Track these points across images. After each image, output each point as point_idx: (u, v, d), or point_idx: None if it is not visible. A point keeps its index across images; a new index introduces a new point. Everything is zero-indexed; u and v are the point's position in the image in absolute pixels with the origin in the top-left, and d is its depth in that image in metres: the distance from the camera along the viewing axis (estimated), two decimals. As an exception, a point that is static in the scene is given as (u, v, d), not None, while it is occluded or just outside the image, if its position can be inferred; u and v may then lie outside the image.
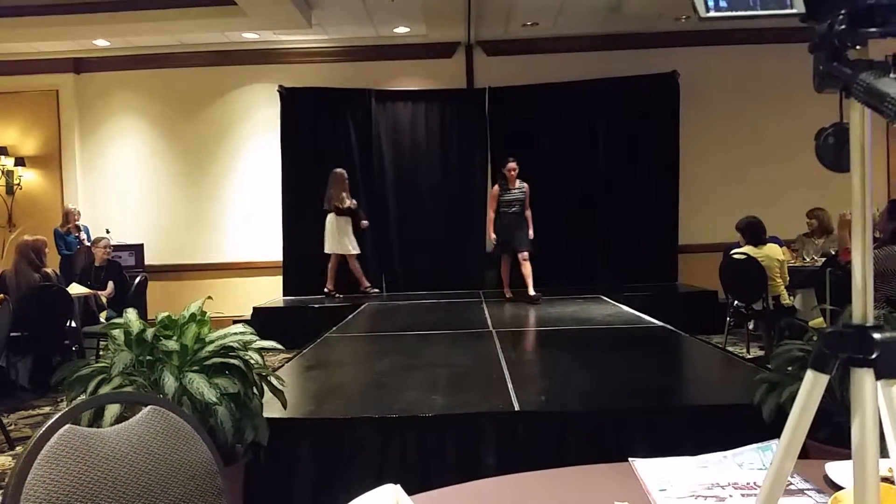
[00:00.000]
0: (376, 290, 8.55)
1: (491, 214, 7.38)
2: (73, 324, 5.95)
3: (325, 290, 8.35)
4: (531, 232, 7.32)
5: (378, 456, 3.04)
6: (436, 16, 7.88)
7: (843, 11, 0.78)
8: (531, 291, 7.23)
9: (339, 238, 8.16)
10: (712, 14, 0.82)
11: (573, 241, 8.73)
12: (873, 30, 0.78)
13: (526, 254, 7.25)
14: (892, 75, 0.75)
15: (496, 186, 7.44)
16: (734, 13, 0.83)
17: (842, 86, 0.78)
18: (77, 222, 8.07)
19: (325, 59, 9.14)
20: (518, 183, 7.34)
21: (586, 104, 8.74)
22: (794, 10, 0.82)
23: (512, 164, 7.28)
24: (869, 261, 0.81)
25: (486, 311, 6.73)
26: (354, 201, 8.27)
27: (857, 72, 0.75)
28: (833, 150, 0.82)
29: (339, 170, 8.22)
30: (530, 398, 3.31)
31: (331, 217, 8.16)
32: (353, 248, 8.25)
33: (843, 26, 0.78)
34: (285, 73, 9.00)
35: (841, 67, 0.78)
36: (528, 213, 7.36)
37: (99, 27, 7.92)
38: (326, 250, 8.22)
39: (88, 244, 7.64)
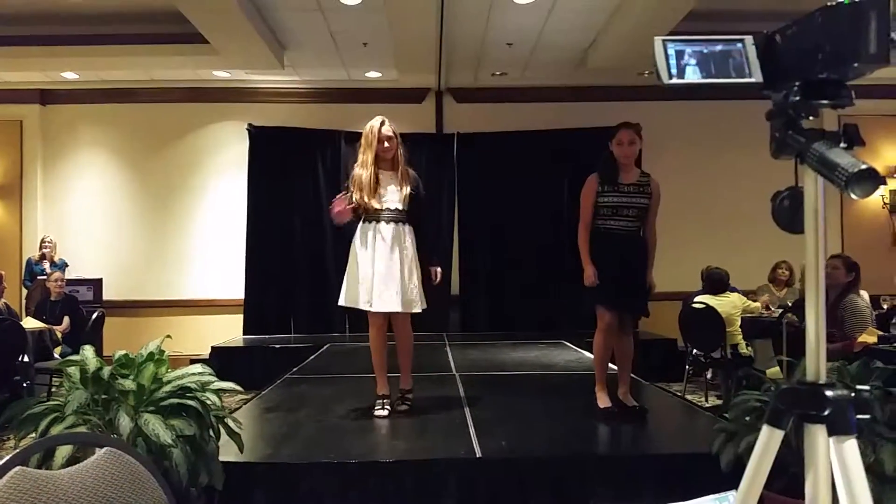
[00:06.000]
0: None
1: (583, 233, 3.98)
2: (26, 358, 5.77)
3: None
4: (651, 274, 4.15)
5: (337, 503, 2.99)
6: (407, 62, 8.00)
7: (797, 83, 0.83)
8: (622, 393, 4.07)
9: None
10: (675, 81, 0.86)
11: (537, 286, 8.79)
12: (824, 102, 0.83)
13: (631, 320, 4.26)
14: (842, 145, 0.80)
15: (591, 177, 3.99)
16: (696, 80, 0.87)
17: (796, 153, 0.82)
18: (45, 251, 7.89)
19: (296, 99, 9.19)
20: (636, 174, 3.97)
21: (552, 153, 8.90)
22: (752, 80, 0.86)
23: (626, 133, 3.96)
24: (821, 320, 0.84)
25: (450, 354, 6.71)
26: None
27: (811, 141, 0.80)
28: (788, 212, 0.86)
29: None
30: (492, 444, 3.30)
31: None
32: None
33: (797, 97, 0.83)
34: (255, 111, 9.01)
35: (795, 136, 0.82)
36: (653, 234, 4.10)
37: (68, 59, 7.85)
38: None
39: (44, 277, 7.46)
